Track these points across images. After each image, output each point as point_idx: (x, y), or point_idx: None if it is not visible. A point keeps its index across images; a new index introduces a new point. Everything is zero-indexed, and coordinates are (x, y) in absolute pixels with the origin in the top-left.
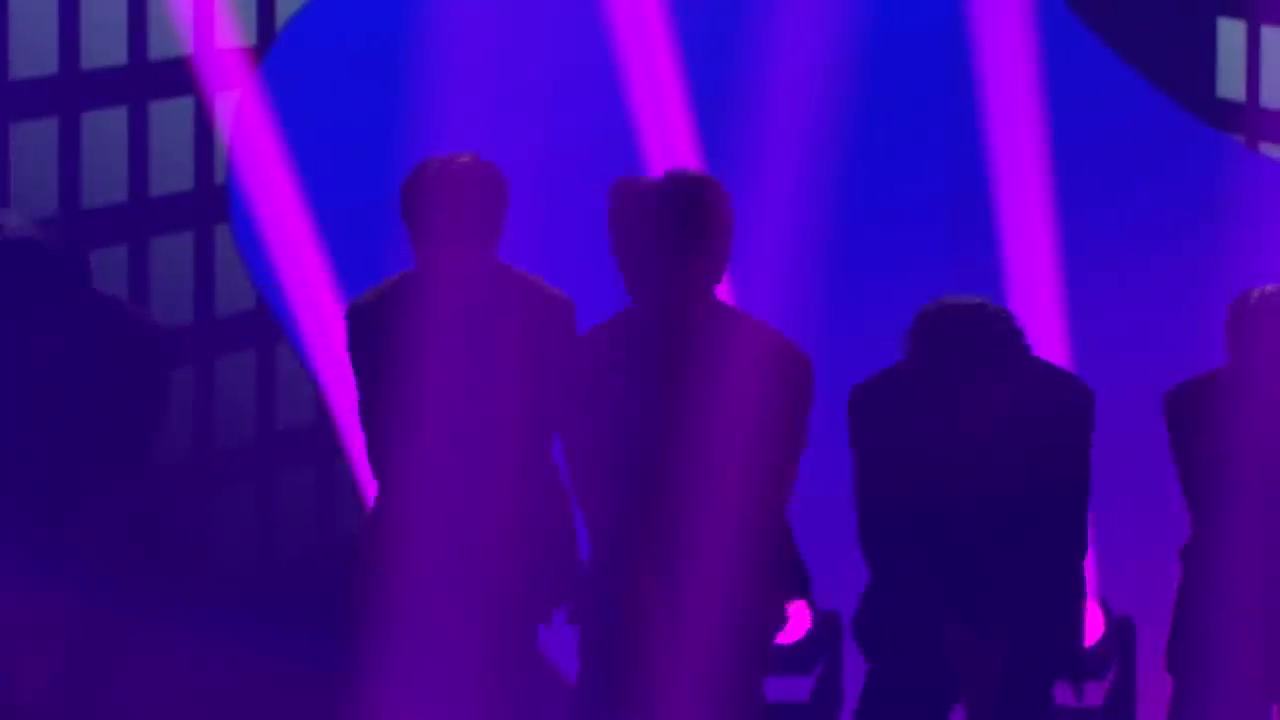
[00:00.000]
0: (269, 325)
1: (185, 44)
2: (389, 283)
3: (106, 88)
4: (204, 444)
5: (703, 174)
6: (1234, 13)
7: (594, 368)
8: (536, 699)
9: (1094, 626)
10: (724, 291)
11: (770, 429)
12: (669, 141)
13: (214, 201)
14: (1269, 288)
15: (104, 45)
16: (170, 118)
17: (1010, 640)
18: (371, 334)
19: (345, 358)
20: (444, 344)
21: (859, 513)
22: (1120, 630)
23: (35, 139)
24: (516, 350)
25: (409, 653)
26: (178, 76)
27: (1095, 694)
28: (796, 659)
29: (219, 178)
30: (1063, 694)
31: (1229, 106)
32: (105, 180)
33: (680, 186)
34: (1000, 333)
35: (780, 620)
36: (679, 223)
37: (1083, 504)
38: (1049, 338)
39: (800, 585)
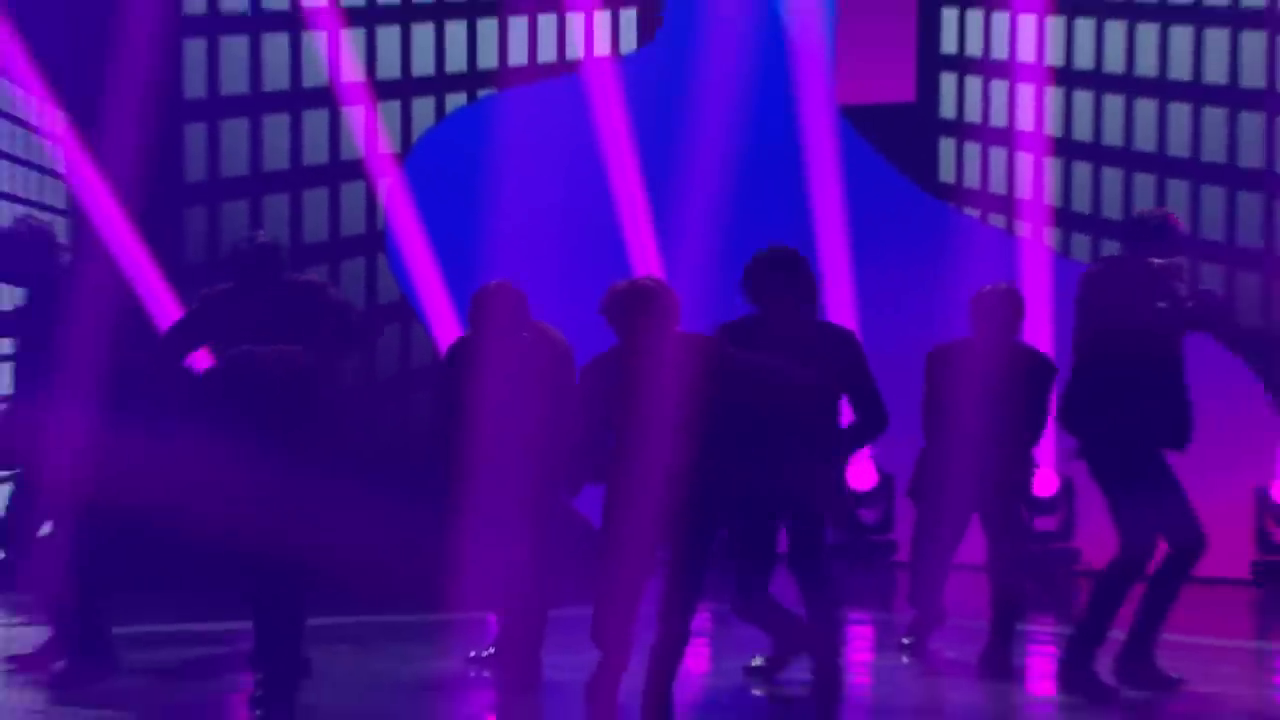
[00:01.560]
0: (409, 310)
1: (360, 150)
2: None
3: (317, 176)
4: (370, 376)
5: (646, 281)
6: (949, 134)
7: (596, 377)
8: (565, 533)
9: (868, 479)
10: (657, 262)
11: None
12: (630, 197)
13: (378, 241)
14: (994, 287)
15: (316, 150)
16: (354, 194)
17: (799, 501)
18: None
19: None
20: (503, 360)
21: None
22: (884, 480)
23: (270, 212)
24: (546, 367)
25: (487, 505)
26: (356, 169)
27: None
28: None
29: (380, 227)
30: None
31: (945, 187)
32: (316, 229)
33: (630, 290)
34: (807, 284)
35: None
36: (627, 312)
37: (834, 405)
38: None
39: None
